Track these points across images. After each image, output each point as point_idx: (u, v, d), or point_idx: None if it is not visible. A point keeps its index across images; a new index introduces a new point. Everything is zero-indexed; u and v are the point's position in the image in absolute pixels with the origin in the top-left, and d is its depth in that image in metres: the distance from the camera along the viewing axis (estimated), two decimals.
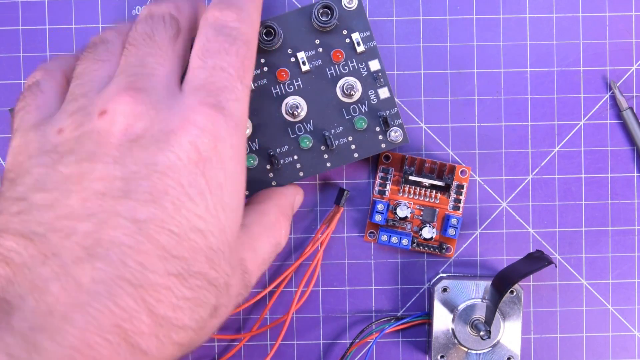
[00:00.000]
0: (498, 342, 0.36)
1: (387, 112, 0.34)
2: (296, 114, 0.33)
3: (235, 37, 0.27)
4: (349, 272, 0.38)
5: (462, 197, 0.37)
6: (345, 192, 0.36)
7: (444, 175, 0.36)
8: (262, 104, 0.33)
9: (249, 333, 0.37)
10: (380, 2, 0.37)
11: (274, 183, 0.33)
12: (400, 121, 0.34)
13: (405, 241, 0.36)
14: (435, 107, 0.37)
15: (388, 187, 0.37)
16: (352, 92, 0.33)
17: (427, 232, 0.36)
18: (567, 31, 0.37)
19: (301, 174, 0.34)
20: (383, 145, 0.34)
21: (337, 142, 0.33)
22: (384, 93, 0.34)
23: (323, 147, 0.33)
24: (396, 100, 0.33)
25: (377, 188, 0.37)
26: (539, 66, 0.37)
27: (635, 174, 0.38)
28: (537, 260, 0.34)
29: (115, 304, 0.22)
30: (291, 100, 0.33)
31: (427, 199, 0.37)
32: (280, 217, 0.31)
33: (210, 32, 0.27)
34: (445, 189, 0.36)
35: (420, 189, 0.37)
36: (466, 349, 0.36)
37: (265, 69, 0.33)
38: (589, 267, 0.38)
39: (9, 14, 0.37)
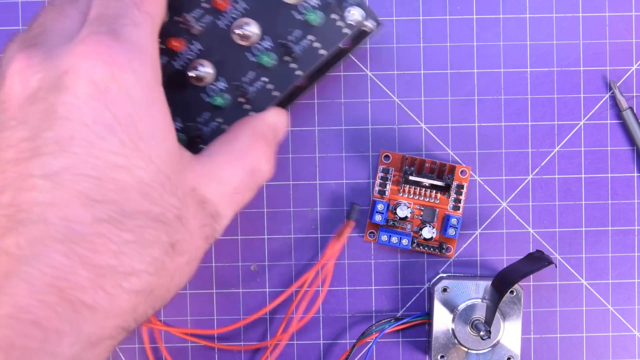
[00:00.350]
0: (498, 342, 0.36)
1: None
2: (249, 35, 0.31)
3: None
4: (349, 272, 0.38)
5: (462, 197, 0.37)
6: (357, 207, 0.36)
7: (444, 175, 0.36)
8: (215, 40, 0.32)
9: (274, 339, 0.37)
10: (380, 2, 0.37)
11: (252, 114, 0.32)
12: None
13: (405, 241, 0.36)
14: (435, 107, 0.37)
15: (388, 187, 0.37)
16: None
17: (427, 232, 0.36)
18: (567, 31, 0.37)
19: (275, 93, 0.32)
20: (345, 31, 0.31)
21: (297, 47, 0.32)
22: None
23: (287, 58, 0.32)
24: None
25: (377, 188, 0.37)
26: (539, 66, 0.37)
27: (635, 174, 0.38)
28: (537, 260, 0.34)
29: (45, 263, 0.22)
30: (240, 24, 0.31)
31: (427, 199, 0.37)
32: (255, 141, 0.29)
33: None
34: (445, 189, 0.36)
35: (420, 189, 0.37)
36: (466, 349, 0.36)
37: (205, 5, 0.32)
38: (589, 267, 0.38)
39: (9, 14, 0.37)
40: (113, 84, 0.24)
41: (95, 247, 0.23)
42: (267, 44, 0.32)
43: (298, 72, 0.32)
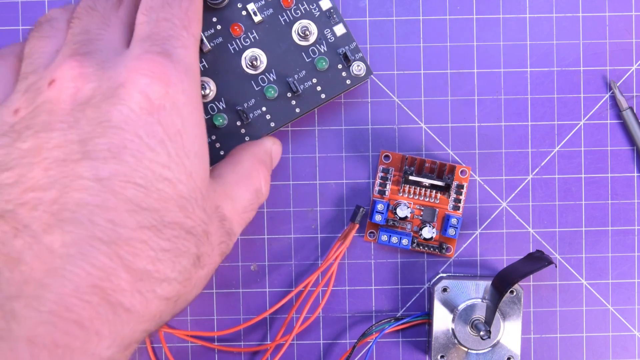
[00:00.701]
0: (498, 342, 0.36)
1: (347, 47, 0.34)
2: (256, 65, 0.33)
3: None
4: (349, 272, 0.38)
5: (462, 197, 0.37)
6: (362, 209, 0.36)
7: (444, 175, 0.36)
8: (222, 62, 0.34)
9: (275, 341, 0.37)
10: (380, 2, 0.37)
11: (247, 138, 0.34)
12: (360, 54, 0.34)
13: (405, 241, 0.36)
14: (435, 107, 0.37)
15: (388, 187, 0.37)
16: (308, 34, 0.33)
17: (427, 232, 0.36)
18: (567, 31, 0.37)
19: (272, 124, 0.34)
20: (348, 82, 0.34)
21: (302, 86, 0.34)
22: (339, 30, 0.34)
23: (289, 94, 0.34)
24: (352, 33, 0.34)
25: (377, 188, 0.37)
26: (539, 66, 0.37)
27: (635, 174, 0.38)
28: (537, 260, 0.34)
29: (90, 264, 0.22)
30: (250, 53, 0.33)
31: (427, 199, 0.37)
32: (256, 165, 0.31)
33: None
34: (445, 189, 0.36)
35: (420, 189, 0.37)
36: (466, 349, 0.36)
37: (219, 27, 0.33)
38: (589, 267, 0.38)
39: (9, 14, 0.37)
40: (167, 102, 0.25)
41: (136, 251, 0.23)
42: (272, 76, 0.34)
43: (297, 110, 0.34)
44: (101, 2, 0.29)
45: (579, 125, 0.37)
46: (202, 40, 0.33)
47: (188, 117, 0.26)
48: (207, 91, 0.33)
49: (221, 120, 0.33)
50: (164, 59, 0.26)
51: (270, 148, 0.33)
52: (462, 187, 0.37)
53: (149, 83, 0.25)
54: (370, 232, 0.37)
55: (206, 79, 0.33)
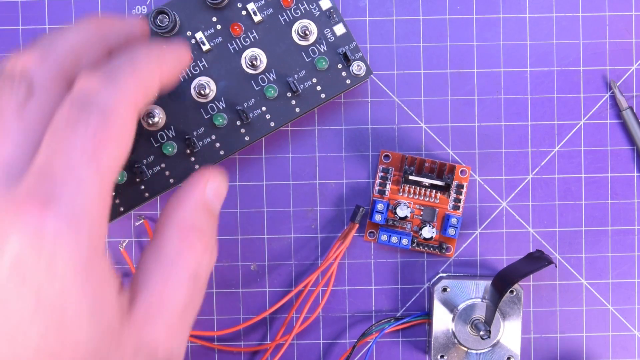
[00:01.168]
0: (498, 342, 0.36)
1: (346, 47, 0.34)
2: (256, 65, 0.33)
3: (89, 109, 0.22)
4: (349, 272, 0.38)
5: (462, 197, 0.37)
6: (361, 209, 0.36)
7: (444, 175, 0.36)
8: (222, 61, 0.34)
9: (275, 341, 0.37)
10: (380, 2, 0.37)
11: (247, 138, 0.34)
12: (360, 54, 0.34)
13: (405, 241, 0.36)
14: (435, 107, 0.37)
15: (388, 186, 0.37)
16: (308, 34, 0.33)
17: (427, 232, 0.36)
18: (567, 31, 0.37)
19: (272, 124, 0.34)
20: (348, 81, 0.34)
21: (302, 86, 0.34)
22: (339, 29, 0.34)
23: (289, 94, 0.34)
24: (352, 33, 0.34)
25: (377, 188, 0.37)
26: (539, 66, 0.37)
27: (635, 174, 0.38)
28: (537, 260, 0.34)
29: None
30: (249, 53, 0.34)
31: (427, 199, 0.37)
32: (185, 240, 0.25)
33: (64, 104, 0.23)
34: (445, 189, 0.36)
35: (420, 189, 0.37)
36: (466, 349, 0.36)
37: (219, 27, 0.33)
38: (589, 267, 0.38)
39: (9, 14, 0.37)
40: (40, 269, 0.21)
41: None
42: (272, 76, 0.34)
43: (297, 110, 0.34)
44: (4, 96, 0.23)
45: (578, 125, 0.37)
46: (202, 40, 0.33)
47: (70, 280, 0.21)
48: (207, 91, 0.33)
49: (221, 120, 0.33)
50: (41, 210, 0.21)
51: (202, 195, 0.26)
52: (462, 186, 0.37)
53: (20, 242, 0.20)
54: (370, 232, 0.37)
55: (206, 79, 0.33)
